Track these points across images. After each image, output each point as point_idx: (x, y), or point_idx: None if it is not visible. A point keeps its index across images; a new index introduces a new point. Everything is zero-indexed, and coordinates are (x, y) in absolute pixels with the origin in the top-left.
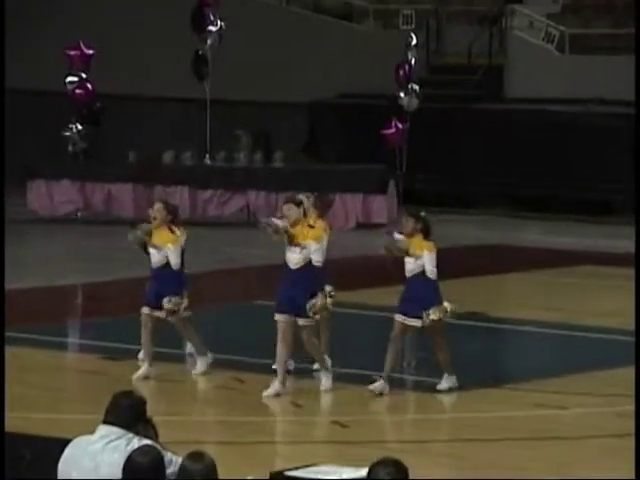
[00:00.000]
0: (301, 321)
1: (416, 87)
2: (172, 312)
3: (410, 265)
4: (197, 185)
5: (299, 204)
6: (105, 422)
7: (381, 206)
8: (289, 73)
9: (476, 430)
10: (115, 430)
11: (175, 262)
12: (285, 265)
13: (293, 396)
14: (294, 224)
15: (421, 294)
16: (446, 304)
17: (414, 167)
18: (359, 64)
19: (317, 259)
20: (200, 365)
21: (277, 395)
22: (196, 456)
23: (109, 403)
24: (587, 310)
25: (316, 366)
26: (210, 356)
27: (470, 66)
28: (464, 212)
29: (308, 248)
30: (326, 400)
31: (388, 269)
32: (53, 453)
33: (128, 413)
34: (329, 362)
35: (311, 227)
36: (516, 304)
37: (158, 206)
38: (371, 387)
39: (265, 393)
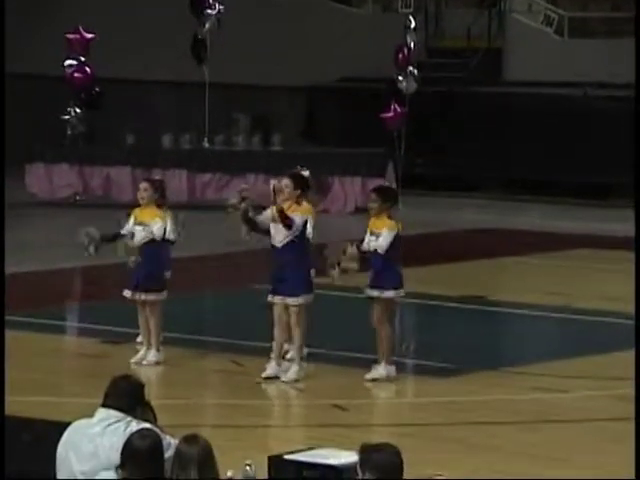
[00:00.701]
0: (290, 301)
1: (414, 70)
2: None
3: (371, 243)
4: (196, 169)
5: (299, 183)
6: (104, 405)
7: None
8: (288, 56)
9: (477, 414)
10: (114, 413)
11: (158, 234)
12: (271, 245)
13: (293, 380)
14: (286, 200)
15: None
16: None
17: (413, 150)
18: (358, 47)
19: (309, 231)
20: (153, 355)
21: (276, 377)
22: (191, 439)
23: (108, 386)
24: (587, 293)
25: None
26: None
27: (469, 49)
28: (463, 195)
29: (296, 223)
30: (326, 383)
31: None
32: (52, 436)
33: (127, 397)
34: (305, 352)
35: (298, 205)
36: (516, 288)
37: (144, 185)
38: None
39: (263, 374)
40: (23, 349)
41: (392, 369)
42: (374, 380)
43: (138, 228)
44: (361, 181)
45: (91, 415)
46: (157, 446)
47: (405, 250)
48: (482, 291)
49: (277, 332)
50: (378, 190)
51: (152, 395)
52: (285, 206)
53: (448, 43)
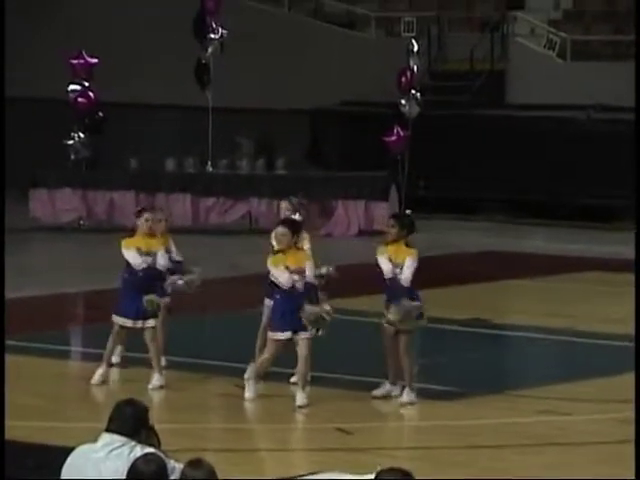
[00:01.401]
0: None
1: (417, 94)
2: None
3: (399, 276)
4: (199, 192)
5: (294, 228)
6: (108, 430)
7: (383, 213)
8: (291, 80)
9: (481, 437)
10: (118, 438)
11: (165, 264)
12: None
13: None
14: (285, 249)
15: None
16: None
17: (416, 174)
18: (361, 71)
19: (310, 275)
20: (157, 380)
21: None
22: (196, 463)
23: (112, 411)
24: (591, 316)
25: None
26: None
27: (472, 72)
28: (467, 219)
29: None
30: (330, 407)
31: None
32: (56, 461)
33: (131, 421)
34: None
35: (298, 249)
36: (520, 310)
37: (150, 216)
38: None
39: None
40: (25, 374)
41: (414, 395)
42: (404, 405)
43: (146, 257)
44: (364, 204)
45: (95, 440)
46: (162, 471)
47: None
48: (486, 314)
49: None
50: (396, 217)
51: (156, 419)
52: (285, 254)
53: (451, 66)
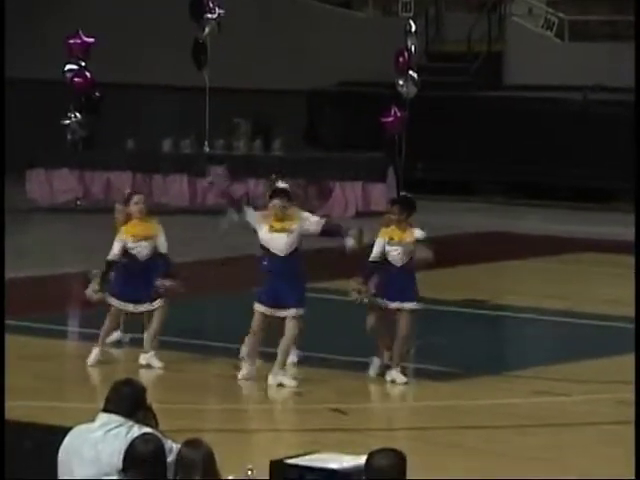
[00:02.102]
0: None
1: (414, 74)
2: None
3: (397, 254)
4: (196, 173)
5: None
6: (105, 410)
7: (381, 194)
8: (288, 61)
9: (477, 417)
10: (115, 418)
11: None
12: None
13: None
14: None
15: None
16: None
17: (414, 155)
18: (358, 51)
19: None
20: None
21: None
22: (193, 443)
23: (109, 391)
24: (588, 297)
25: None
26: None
27: (469, 53)
28: (464, 200)
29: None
30: (326, 388)
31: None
32: (54, 441)
33: (128, 401)
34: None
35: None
36: (517, 292)
37: (139, 198)
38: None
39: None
40: (24, 354)
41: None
42: (394, 382)
43: (144, 244)
44: (362, 185)
45: (92, 420)
46: (160, 450)
47: None
48: (484, 295)
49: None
50: (397, 201)
51: (153, 399)
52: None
53: (448, 47)
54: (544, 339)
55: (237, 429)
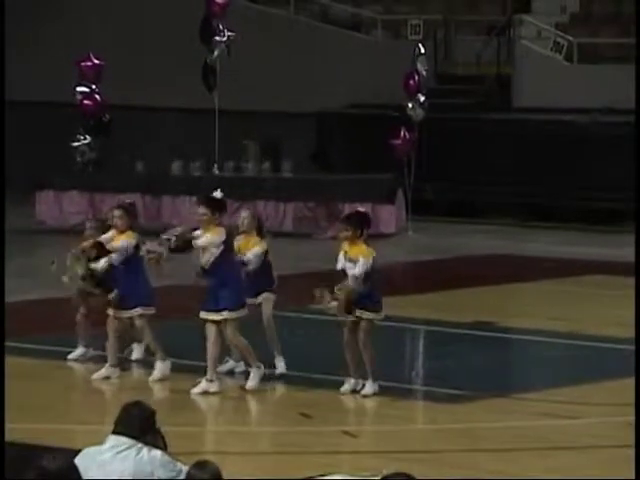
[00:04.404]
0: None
1: (422, 97)
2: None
3: (350, 271)
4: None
5: (214, 207)
6: (115, 432)
7: (390, 216)
8: (297, 83)
9: (486, 440)
10: (125, 440)
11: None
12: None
13: (302, 406)
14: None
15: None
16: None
17: (423, 177)
18: (367, 74)
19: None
20: (159, 371)
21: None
22: (202, 464)
23: (119, 413)
24: (596, 319)
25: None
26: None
27: (478, 76)
28: (473, 222)
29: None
30: (335, 410)
31: (396, 280)
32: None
33: (138, 423)
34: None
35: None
36: (525, 314)
37: (119, 213)
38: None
39: (192, 390)
40: (30, 376)
41: (377, 386)
42: (366, 396)
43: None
44: (371, 207)
45: (101, 442)
46: (71, 468)
47: (415, 276)
48: (492, 317)
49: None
50: (349, 218)
51: (162, 422)
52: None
53: (457, 70)
54: (552, 361)
55: (246, 451)
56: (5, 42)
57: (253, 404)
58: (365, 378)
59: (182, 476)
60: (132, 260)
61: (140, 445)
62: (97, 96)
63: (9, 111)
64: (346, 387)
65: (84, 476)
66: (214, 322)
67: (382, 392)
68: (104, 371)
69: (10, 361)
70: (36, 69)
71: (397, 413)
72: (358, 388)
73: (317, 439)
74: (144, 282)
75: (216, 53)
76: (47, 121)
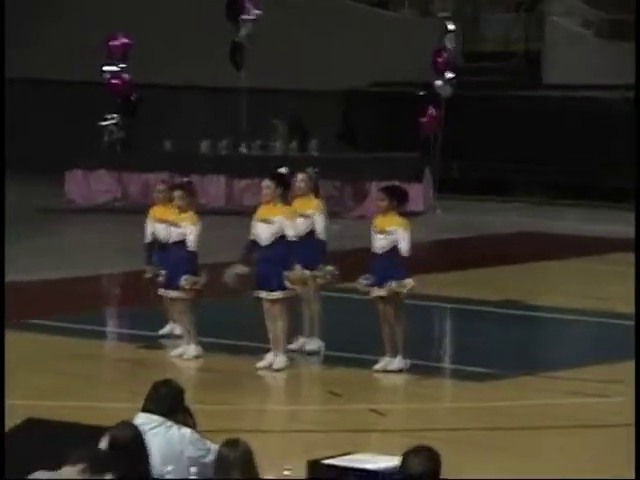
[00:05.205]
0: (270, 295)
1: (450, 74)
2: (187, 290)
3: (381, 242)
4: (233, 174)
5: (278, 182)
6: (144, 410)
7: (417, 194)
8: (325, 61)
9: (513, 418)
10: (154, 418)
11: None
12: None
13: (330, 384)
14: (269, 202)
15: (391, 270)
16: (409, 280)
17: (450, 155)
18: (395, 52)
19: (290, 234)
20: (193, 350)
21: (269, 367)
22: (233, 443)
23: (149, 391)
24: (626, 297)
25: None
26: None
27: (507, 53)
28: (501, 200)
29: (277, 223)
30: (363, 388)
31: (423, 258)
32: (93, 441)
33: (167, 401)
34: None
35: (286, 205)
36: (555, 292)
37: (179, 193)
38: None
39: (258, 364)
40: (61, 354)
41: (408, 362)
42: (386, 371)
43: (174, 228)
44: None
45: (131, 420)
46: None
47: (442, 254)
48: (519, 295)
49: (268, 325)
50: (386, 188)
51: (190, 400)
52: (270, 205)
53: (486, 47)
54: (580, 339)
55: (274, 429)
56: (32, 22)
57: (282, 382)
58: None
59: (211, 454)
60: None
61: (170, 423)
62: (125, 75)
63: (37, 91)
64: (381, 364)
65: None
66: (272, 301)
67: (410, 370)
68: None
69: (37, 339)
70: (64, 48)
71: (424, 391)
72: (389, 367)
73: (345, 417)
74: (192, 265)
75: (243, 31)
76: (75, 100)
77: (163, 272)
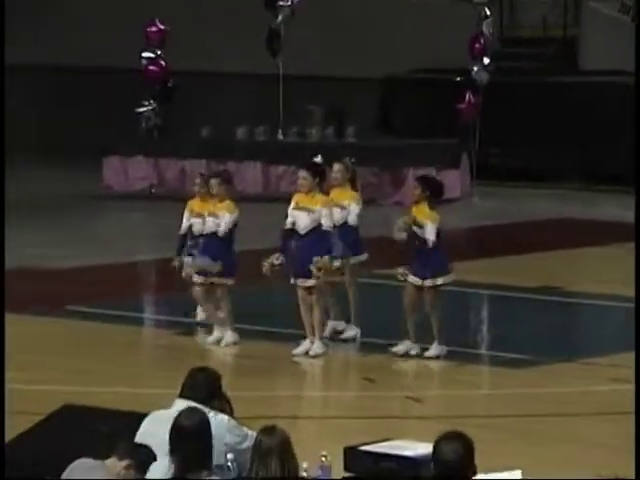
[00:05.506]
0: (306, 282)
1: (487, 60)
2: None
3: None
4: (270, 160)
5: (314, 172)
6: (182, 396)
7: (454, 181)
8: (362, 48)
9: (552, 405)
10: (192, 404)
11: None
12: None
13: (365, 371)
14: (307, 192)
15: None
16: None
17: (488, 141)
18: (432, 38)
19: (326, 224)
20: (230, 337)
21: (306, 353)
22: (270, 430)
23: (186, 378)
24: None
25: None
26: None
27: (544, 38)
28: (539, 186)
29: (317, 212)
30: (399, 375)
31: (461, 245)
32: (130, 427)
33: (204, 388)
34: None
35: (324, 194)
36: (592, 278)
37: (216, 181)
38: (394, 349)
39: (295, 351)
40: (98, 340)
41: (445, 349)
42: (429, 358)
43: (209, 219)
44: (435, 172)
45: (168, 406)
46: (204, 423)
47: (479, 241)
48: (558, 282)
49: (303, 312)
50: (421, 177)
51: (227, 386)
52: (305, 197)
53: (523, 33)
54: (618, 326)
55: (311, 416)
56: (70, 10)
57: (318, 369)
58: (426, 343)
59: (248, 441)
60: (228, 231)
61: (207, 410)
62: (162, 62)
63: (75, 77)
64: (399, 347)
65: (152, 438)
66: (308, 288)
67: (446, 357)
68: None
69: (77, 326)
70: (102, 35)
71: (461, 378)
72: (412, 352)
73: (381, 404)
74: (232, 253)
75: (280, 18)
76: (113, 87)
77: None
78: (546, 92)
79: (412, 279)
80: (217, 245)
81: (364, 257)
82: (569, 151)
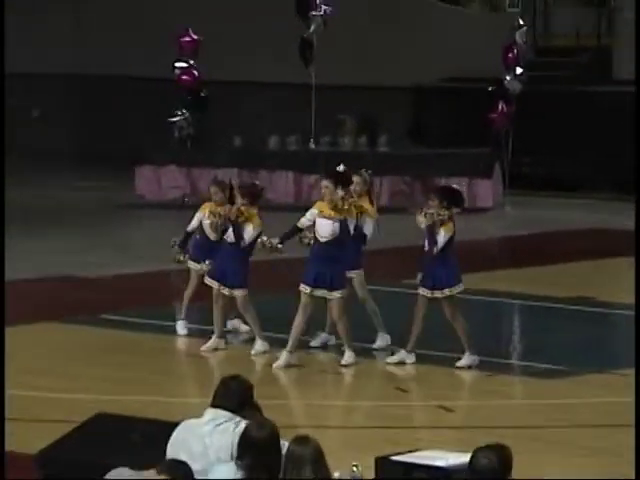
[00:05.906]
0: (331, 294)
1: (520, 70)
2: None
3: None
4: (302, 170)
5: (336, 180)
6: (213, 405)
7: (487, 190)
8: (394, 57)
9: (583, 415)
10: (223, 413)
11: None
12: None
13: (397, 381)
14: (330, 201)
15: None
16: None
17: (520, 150)
18: (465, 47)
19: (369, 233)
20: (260, 345)
21: (287, 365)
22: (303, 440)
23: (217, 387)
24: None
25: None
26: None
27: (577, 48)
28: (571, 196)
29: (339, 222)
30: (431, 385)
31: (493, 254)
32: (162, 435)
33: (236, 397)
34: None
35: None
36: (625, 289)
37: (240, 200)
38: (388, 359)
39: (274, 365)
40: (129, 349)
41: (477, 358)
42: (461, 368)
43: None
44: (468, 182)
45: (200, 415)
46: (275, 436)
47: (512, 250)
48: (591, 292)
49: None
50: (438, 188)
51: (259, 395)
52: (327, 206)
53: (557, 42)
54: None
55: (343, 426)
56: (106, 21)
57: (349, 378)
58: (458, 352)
59: (282, 451)
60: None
61: (238, 419)
62: (195, 71)
63: (108, 86)
64: (393, 358)
65: (183, 447)
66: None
67: (478, 366)
68: (211, 343)
69: (107, 334)
70: (137, 45)
71: (493, 388)
72: (408, 361)
73: (413, 413)
74: (247, 263)
75: (313, 27)
76: (146, 96)
77: (207, 262)
78: (579, 101)
79: (422, 291)
80: (233, 255)
81: (362, 270)
82: (601, 160)
